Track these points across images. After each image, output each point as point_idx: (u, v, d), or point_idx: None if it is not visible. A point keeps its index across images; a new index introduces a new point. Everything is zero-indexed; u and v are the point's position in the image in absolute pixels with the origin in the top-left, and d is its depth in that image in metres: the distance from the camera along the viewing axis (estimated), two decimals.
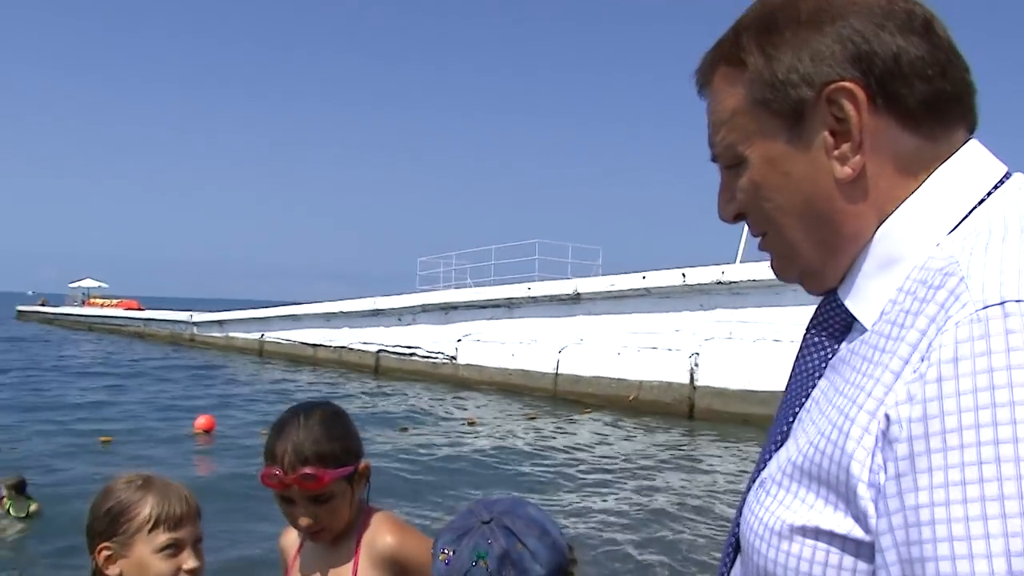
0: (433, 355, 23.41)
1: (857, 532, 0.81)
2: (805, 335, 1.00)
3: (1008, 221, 0.85)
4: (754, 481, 0.97)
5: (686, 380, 17.05)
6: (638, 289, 18.15)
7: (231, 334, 33.73)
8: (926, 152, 0.91)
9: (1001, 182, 0.91)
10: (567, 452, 12.34)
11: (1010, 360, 0.72)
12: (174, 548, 1.90)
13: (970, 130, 0.95)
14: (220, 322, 34.94)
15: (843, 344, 0.95)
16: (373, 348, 25.64)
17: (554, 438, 13.75)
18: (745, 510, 0.96)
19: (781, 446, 0.95)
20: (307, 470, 1.92)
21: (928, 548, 0.72)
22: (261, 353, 30.83)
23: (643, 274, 18.10)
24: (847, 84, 0.89)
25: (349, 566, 2.03)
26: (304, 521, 2.00)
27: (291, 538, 2.17)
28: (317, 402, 2.13)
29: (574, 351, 19.39)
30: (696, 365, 16.93)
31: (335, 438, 2.00)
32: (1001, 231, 0.83)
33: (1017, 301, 0.74)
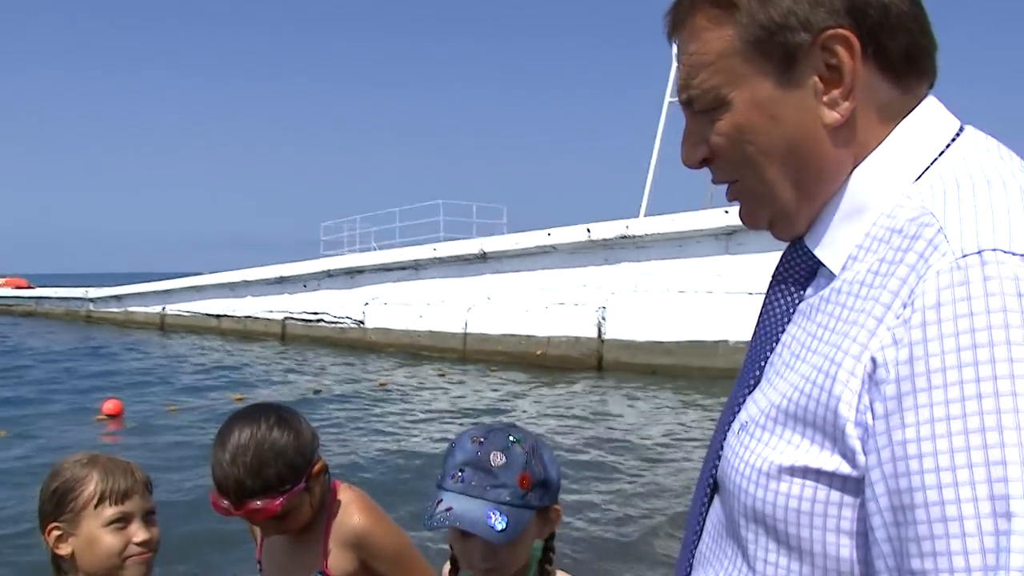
0: (340, 320, 23.19)
1: (845, 468, 0.86)
2: (771, 283, 1.04)
3: (972, 173, 0.90)
4: (728, 425, 1.02)
5: (594, 334, 17.30)
6: (544, 246, 18.25)
7: (130, 309, 32.68)
8: (898, 104, 0.96)
9: (957, 135, 0.96)
10: (478, 412, 12.40)
11: (988, 305, 0.77)
12: (122, 522, 1.89)
13: (931, 85, 0.99)
14: (118, 297, 33.78)
15: (809, 290, 0.99)
16: (279, 316, 25.24)
17: (464, 398, 13.80)
18: (727, 453, 0.99)
19: (754, 389, 1.00)
20: (255, 504, 1.85)
21: (916, 479, 0.77)
22: (163, 327, 29.98)
23: (548, 231, 18.20)
24: (843, 31, 0.91)
25: (319, 550, 1.98)
26: (268, 533, 2.00)
27: None
28: (261, 410, 1.95)
29: (482, 310, 19.44)
30: (603, 319, 17.18)
31: (280, 457, 1.85)
32: (968, 183, 0.88)
33: (993, 250, 0.79)
